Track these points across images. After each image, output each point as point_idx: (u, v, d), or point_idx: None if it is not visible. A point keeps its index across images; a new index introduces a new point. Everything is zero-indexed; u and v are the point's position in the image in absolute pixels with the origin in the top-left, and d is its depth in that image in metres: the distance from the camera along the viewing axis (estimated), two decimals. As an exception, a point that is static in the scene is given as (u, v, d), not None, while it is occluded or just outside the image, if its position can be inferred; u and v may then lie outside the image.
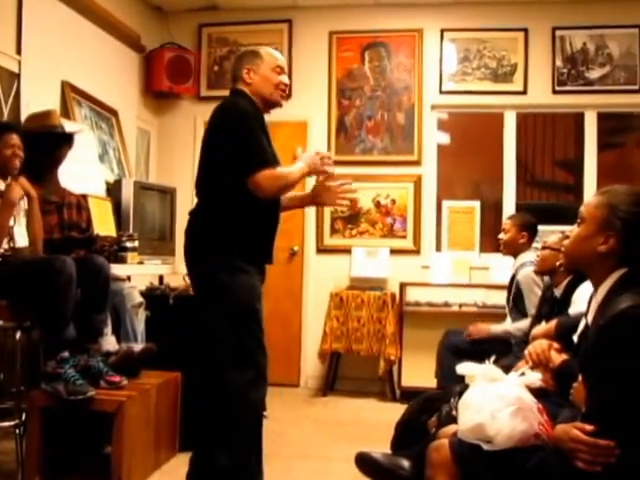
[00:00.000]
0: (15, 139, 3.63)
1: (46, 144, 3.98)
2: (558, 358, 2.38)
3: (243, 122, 3.00)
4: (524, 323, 4.41)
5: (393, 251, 6.24)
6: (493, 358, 2.28)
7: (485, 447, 2.02)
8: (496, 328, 4.63)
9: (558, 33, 6.15)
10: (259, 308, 3.07)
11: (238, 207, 3.01)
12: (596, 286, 2.10)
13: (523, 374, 2.22)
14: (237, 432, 2.98)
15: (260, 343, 3.04)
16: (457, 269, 6.11)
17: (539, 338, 2.71)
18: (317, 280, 6.41)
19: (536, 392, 2.19)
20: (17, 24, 4.46)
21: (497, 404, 2.06)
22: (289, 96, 3.58)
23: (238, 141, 2.97)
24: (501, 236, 4.73)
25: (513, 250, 4.68)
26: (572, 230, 2.18)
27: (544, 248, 3.94)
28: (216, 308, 3.02)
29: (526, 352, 2.53)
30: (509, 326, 4.57)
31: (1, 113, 4.28)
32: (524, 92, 6.22)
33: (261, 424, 3.16)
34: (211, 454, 2.97)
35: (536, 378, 2.20)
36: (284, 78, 3.24)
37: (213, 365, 3.03)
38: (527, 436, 2.02)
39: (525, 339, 4.08)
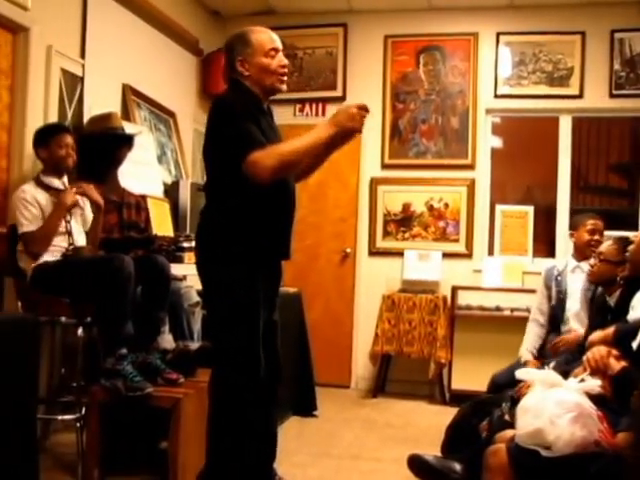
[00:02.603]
0: (68, 139, 3.75)
1: (107, 145, 4.13)
2: (617, 365, 2.35)
3: (228, 114, 2.85)
4: None
5: (445, 254, 6.24)
6: (552, 364, 2.28)
7: (543, 453, 2.03)
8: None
9: (617, 36, 6.05)
10: (255, 307, 2.91)
11: (238, 203, 2.88)
12: (660, 294, 2.08)
13: (582, 380, 2.22)
14: (221, 431, 2.91)
15: (245, 342, 2.87)
16: (509, 274, 6.08)
17: (596, 344, 2.69)
18: (369, 282, 6.43)
19: (595, 399, 2.19)
20: (82, 28, 4.56)
21: (556, 410, 2.07)
22: (287, 78, 3.05)
23: (225, 134, 2.84)
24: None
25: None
26: (637, 235, 2.17)
27: (601, 260, 3.58)
28: (213, 305, 3.02)
29: (585, 358, 2.51)
30: None
31: (65, 115, 4.37)
32: (580, 96, 6.14)
33: (253, 430, 2.94)
34: (209, 453, 2.95)
35: (595, 384, 2.19)
36: (281, 59, 2.97)
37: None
38: (587, 443, 2.02)
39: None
